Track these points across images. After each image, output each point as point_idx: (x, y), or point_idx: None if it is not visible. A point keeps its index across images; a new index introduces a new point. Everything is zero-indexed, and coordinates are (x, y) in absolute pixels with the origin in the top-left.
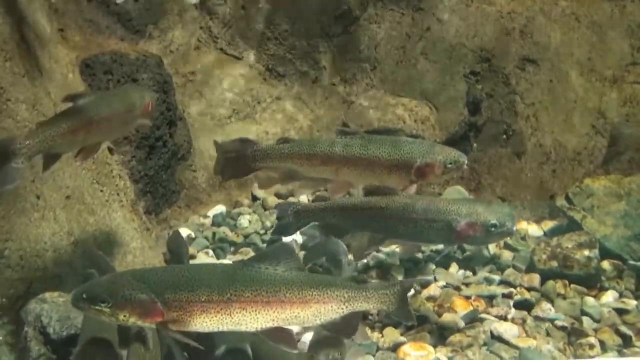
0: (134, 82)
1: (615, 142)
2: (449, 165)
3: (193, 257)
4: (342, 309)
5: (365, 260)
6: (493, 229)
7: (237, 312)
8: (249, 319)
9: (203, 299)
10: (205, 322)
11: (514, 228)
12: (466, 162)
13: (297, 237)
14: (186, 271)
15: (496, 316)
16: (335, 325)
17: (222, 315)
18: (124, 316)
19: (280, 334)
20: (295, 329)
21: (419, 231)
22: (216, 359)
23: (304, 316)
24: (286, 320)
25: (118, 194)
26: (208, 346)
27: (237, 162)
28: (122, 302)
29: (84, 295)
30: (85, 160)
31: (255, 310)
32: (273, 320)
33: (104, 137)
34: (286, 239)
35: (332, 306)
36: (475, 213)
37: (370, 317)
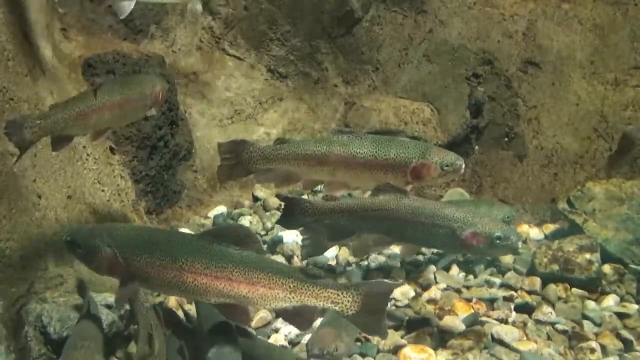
0: None
1: (630, 147)
2: (446, 167)
3: None
4: (289, 298)
5: (366, 263)
6: (498, 241)
7: (189, 282)
8: (201, 290)
9: (158, 263)
10: (162, 285)
11: (519, 243)
12: (463, 165)
13: (297, 238)
14: (150, 234)
15: (497, 319)
16: (288, 315)
17: (176, 281)
18: (94, 264)
19: (232, 310)
20: (293, 330)
21: (425, 236)
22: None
23: (252, 298)
24: (236, 298)
25: (119, 194)
26: (203, 345)
27: (234, 164)
28: (91, 251)
29: (68, 238)
30: (95, 140)
31: (205, 283)
32: (223, 295)
33: (115, 123)
34: (288, 233)
35: (278, 293)
36: (481, 224)
37: None
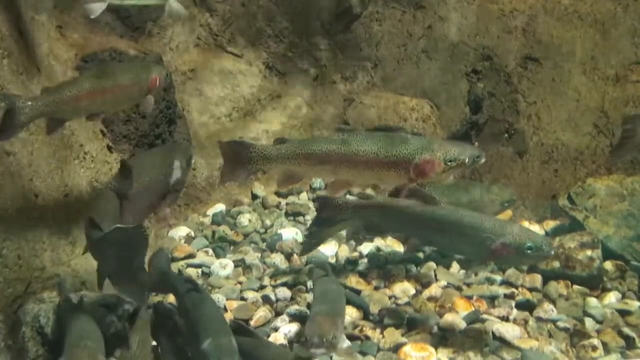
0: None
1: (632, 135)
2: (449, 163)
3: (192, 256)
4: None
5: (366, 260)
6: (529, 251)
7: None
8: None
9: None
10: None
11: (551, 252)
12: (468, 158)
13: (297, 235)
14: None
15: (498, 317)
16: None
17: None
18: None
19: None
20: (294, 328)
21: (454, 244)
22: (202, 352)
23: None
24: None
25: None
26: (194, 340)
27: (235, 165)
28: None
29: None
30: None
31: None
32: None
33: (108, 108)
34: (287, 231)
35: None
36: (512, 234)
37: (371, 317)
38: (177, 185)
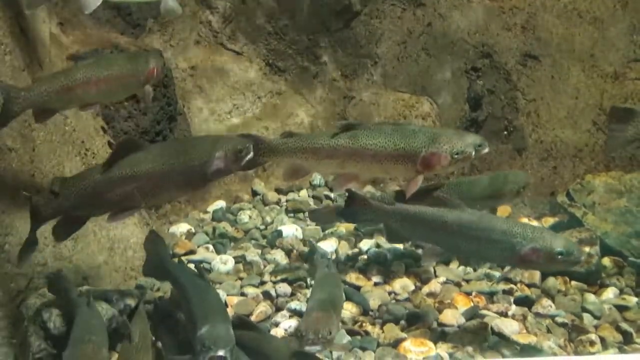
0: None
1: (622, 129)
2: (456, 156)
3: (193, 252)
4: None
5: (365, 257)
6: (559, 256)
7: None
8: None
9: None
10: None
11: (582, 258)
12: (474, 149)
13: (297, 232)
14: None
15: (497, 312)
16: None
17: None
18: None
19: None
20: (293, 323)
21: (481, 250)
22: (198, 339)
23: None
24: None
25: None
26: (191, 327)
27: None
28: None
29: None
30: (84, 110)
31: None
32: None
33: (102, 99)
34: (287, 228)
35: None
36: (542, 239)
37: (370, 312)
38: (214, 175)
